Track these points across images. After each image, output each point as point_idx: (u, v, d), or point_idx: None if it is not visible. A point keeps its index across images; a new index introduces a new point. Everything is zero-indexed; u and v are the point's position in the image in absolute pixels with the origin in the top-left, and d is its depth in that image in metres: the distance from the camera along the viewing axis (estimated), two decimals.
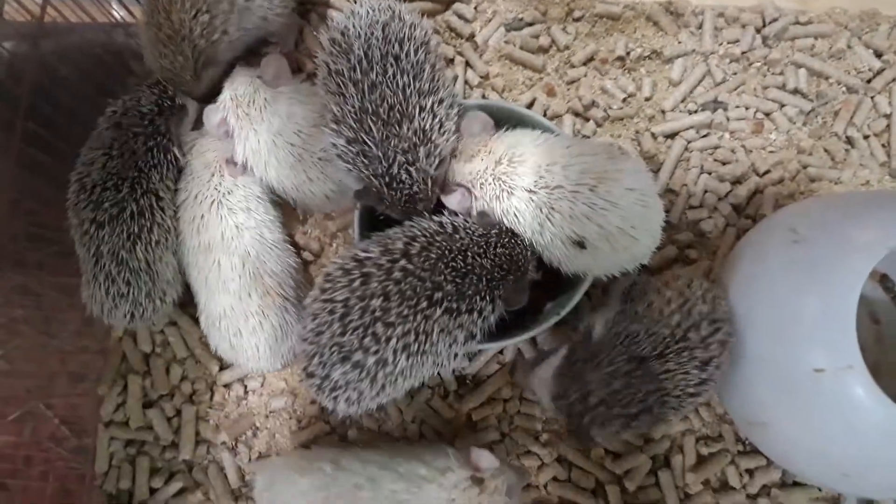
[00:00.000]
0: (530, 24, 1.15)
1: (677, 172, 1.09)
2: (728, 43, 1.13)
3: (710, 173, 1.09)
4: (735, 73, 1.13)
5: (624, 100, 1.12)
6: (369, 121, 0.84)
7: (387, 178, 0.85)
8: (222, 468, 1.04)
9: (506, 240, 0.84)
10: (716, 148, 1.10)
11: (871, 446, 0.78)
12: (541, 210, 0.83)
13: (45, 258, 1.05)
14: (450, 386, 1.04)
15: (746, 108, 1.11)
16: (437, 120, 0.86)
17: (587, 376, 0.84)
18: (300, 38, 1.15)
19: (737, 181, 1.09)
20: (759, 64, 1.13)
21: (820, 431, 0.81)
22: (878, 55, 1.13)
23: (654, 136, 1.11)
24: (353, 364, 0.78)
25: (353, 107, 0.84)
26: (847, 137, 1.11)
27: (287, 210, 1.08)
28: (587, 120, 1.11)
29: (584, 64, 1.14)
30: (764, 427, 0.87)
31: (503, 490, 0.84)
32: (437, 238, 0.82)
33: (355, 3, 0.88)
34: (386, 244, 0.81)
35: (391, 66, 0.84)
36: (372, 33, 0.85)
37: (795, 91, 1.11)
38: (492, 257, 0.82)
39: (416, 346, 0.79)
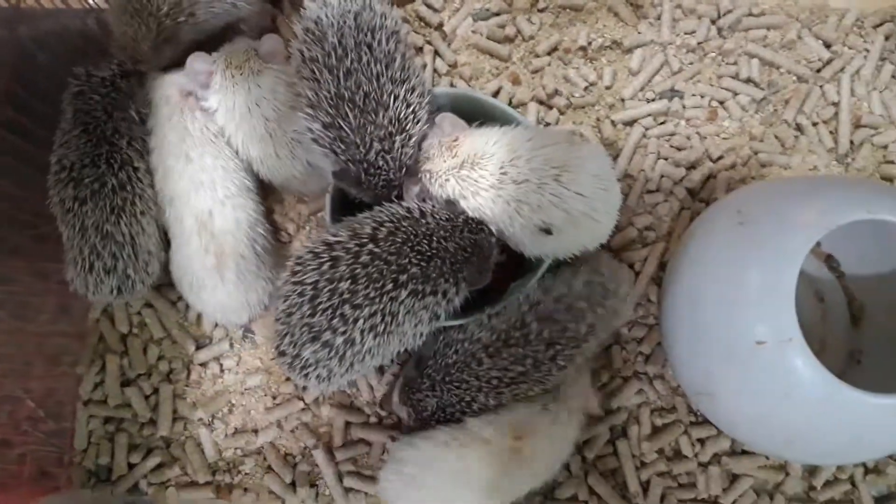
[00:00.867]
0: (496, 15, 1.19)
1: (635, 158, 1.14)
2: (685, 34, 1.18)
3: (666, 159, 1.14)
4: (691, 63, 1.18)
5: (586, 88, 1.16)
6: (346, 107, 0.86)
7: (364, 164, 0.88)
8: (199, 444, 1.07)
9: (472, 225, 0.88)
10: (672, 135, 1.15)
11: (810, 415, 0.83)
12: (508, 204, 0.86)
13: (21, 242, 1.06)
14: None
15: (702, 97, 1.16)
16: (410, 109, 0.89)
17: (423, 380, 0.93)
18: (273, 26, 1.17)
19: (691, 166, 1.14)
20: (714, 54, 1.18)
21: (763, 401, 0.86)
22: (827, 46, 1.18)
23: (613, 123, 1.15)
24: (322, 343, 0.82)
25: (329, 92, 0.87)
26: (797, 125, 1.16)
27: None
28: (550, 108, 1.16)
29: (548, 53, 1.18)
30: (712, 398, 0.92)
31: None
32: (404, 223, 0.85)
33: None
34: (355, 228, 0.85)
35: (365, 53, 0.87)
36: (344, 22, 0.87)
37: (748, 80, 1.16)
38: (456, 241, 0.86)
39: (383, 326, 0.82)
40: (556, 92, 1.16)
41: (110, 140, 0.98)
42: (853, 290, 1.07)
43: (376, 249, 0.82)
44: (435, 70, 1.17)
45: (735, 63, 1.17)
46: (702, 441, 1.06)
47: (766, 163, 1.13)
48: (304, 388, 0.88)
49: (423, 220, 0.86)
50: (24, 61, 1.01)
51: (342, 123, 0.87)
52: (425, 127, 0.92)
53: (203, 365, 1.11)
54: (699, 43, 1.17)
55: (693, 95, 1.16)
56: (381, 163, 0.88)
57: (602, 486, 1.04)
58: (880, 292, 1.04)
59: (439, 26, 1.19)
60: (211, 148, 1.01)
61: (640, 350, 1.08)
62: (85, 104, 0.98)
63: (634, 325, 1.09)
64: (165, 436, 1.08)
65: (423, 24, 1.19)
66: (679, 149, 1.14)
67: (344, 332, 0.81)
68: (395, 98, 0.88)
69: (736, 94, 1.16)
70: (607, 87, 1.16)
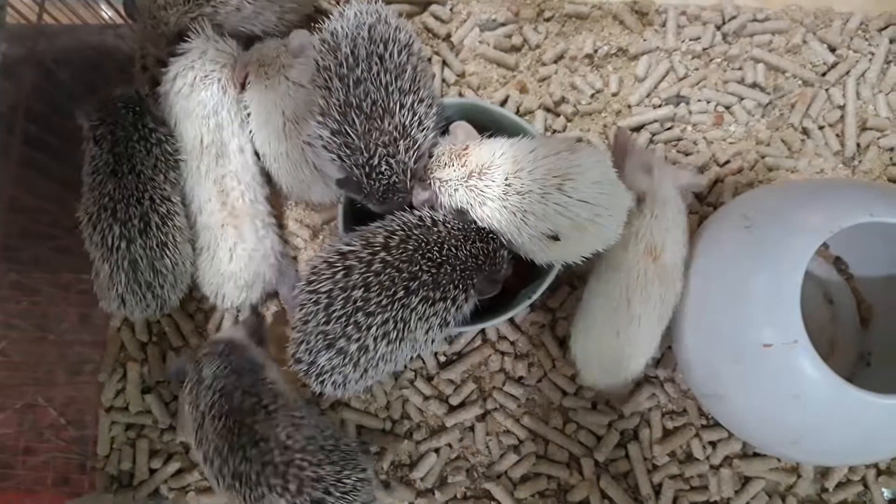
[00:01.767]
0: (503, 25, 1.21)
1: None
2: (690, 40, 1.19)
3: (673, 164, 1.15)
4: (697, 69, 1.19)
5: (592, 95, 1.18)
6: (353, 114, 0.89)
7: (367, 169, 0.90)
8: None
9: (483, 234, 0.90)
10: (679, 140, 1.16)
11: (817, 416, 0.84)
12: (514, 215, 0.88)
13: (41, 254, 1.09)
14: (431, 369, 1.10)
15: (707, 102, 1.17)
16: (416, 117, 0.92)
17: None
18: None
19: (698, 171, 1.15)
20: (719, 59, 1.19)
21: (771, 403, 0.86)
22: (832, 50, 1.19)
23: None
24: (337, 350, 0.84)
25: (339, 100, 0.90)
26: (803, 128, 1.17)
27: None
28: (558, 115, 1.17)
29: (555, 62, 1.20)
30: (720, 400, 0.93)
31: None
32: (416, 231, 0.87)
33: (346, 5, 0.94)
34: (367, 238, 0.87)
35: (376, 64, 0.90)
36: (358, 33, 0.91)
37: (754, 85, 1.17)
38: (468, 250, 0.88)
39: (395, 333, 0.84)
40: (563, 100, 1.17)
41: (151, 177, 1.01)
42: (862, 292, 1.08)
43: (388, 258, 0.84)
44: (443, 80, 1.19)
45: (740, 68, 1.18)
46: (713, 444, 1.06)
47: (772, 167, 1.14)
48: (321, 393, 0.90)
49: (435, 229, 0.88)
50: (42, 77, 1.03)
51: (349, 130, 0.89)
52: (432, 136, 0.94)
53: None
54: (704, 49, 1.19)
55: (699, 101, 1.17)
56: (384, 167, 0.89)
57: (614, 489, 1.05)
58: (889, 294, 1.04)
59: (447, 37, 1.21)
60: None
61: None
62: (120, 140, 1.01)
63: None
64: (185, 441, 1.10)
65: (431, 35, 1.21)
66: (686, 153, 1.15)
67: (358, 339, 0.83)
68: (402, 106, 0.90)
69: (742, 98, 1.17)
70: (614, 94, 1.18)
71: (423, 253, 0.85)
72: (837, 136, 1.16)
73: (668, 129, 1.16)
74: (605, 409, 1.08)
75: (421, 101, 0.92)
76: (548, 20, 1.21)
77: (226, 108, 1.05)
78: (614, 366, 0.98)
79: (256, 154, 1.08)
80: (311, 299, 0.85)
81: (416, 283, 0.84)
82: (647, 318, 0.95)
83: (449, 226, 0.89)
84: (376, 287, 0.83)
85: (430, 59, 1.19)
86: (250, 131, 1.07)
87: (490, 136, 0.95)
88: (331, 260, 0.86)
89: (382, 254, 0.84)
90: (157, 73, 1.13)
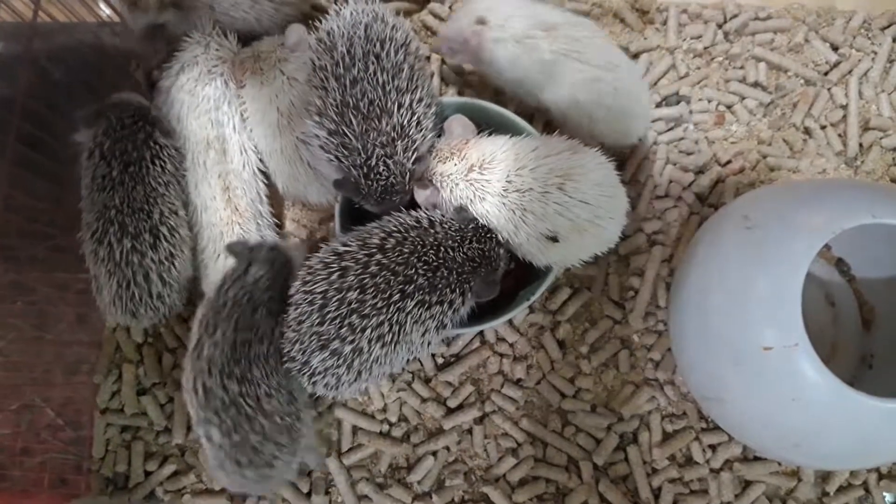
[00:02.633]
0: None
1: (643, 163, 1.14)
2: (691, 38, 1.18)
3: (674, 164, 1.14)
4: (698, 68, 1.18)
5: None
6: (350, 114, 0.88)
7: (365, 169, 0.89)
8: None
9: (481, 234, 0.89)
10: (680, 139, 1.15)
11: (818, 420, 0.83)
12: (514, 212, 0.87)
13: (38, 253, 1.09)
14: (429, 371, 1.09)
15: (709, 101, 1.16)
16: (415, 117, 0.91)
17: None
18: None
19: (700, 171, 1.14)
20: (720, 58, 1.18)
21: (771, 406, 0.86)
22: (835, 48, 1.18)
23: None
24: (331, 352, 0.83)
25: (335, 100, 0.89)
26: (805, 128, 1.16)
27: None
28: None
29: None
30: (720, 403, 0.92)
31: None
32: (412, 233, 0.86)
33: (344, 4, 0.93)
34: (364, 238, 0.86)
35: (372, 63, 0.89)
36: (355, 33, 0.90)
37: (755, 84, 1.16)
38: (464, 252, 0.86)
39: (390, 336, 0.83)
40: None
41: (162, 192, 1.01)
42: (864, 294, 1.07)
43: (384, 260, 0.83)
44: (442, 79, 1.18)
45: (742, 67, 1.17)
46: (713, 447, 1.05)
47: (774, 166, 1.13)
48: (313, 394, 0.89)
49: (432, 230, 0.87)
50: (38, 76, 1.03)
51: (346, 130, 0.88)
52: (431, 136, 0.93)
53: None
54: (706, 47, 1.18)
55: (700, 100, 1.16)
56: (381, 168, 0.89)
57: (613, 493, 1.04)
58: (892, 296, 1.03)
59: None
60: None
61: (650, 356, 1.08)
62: (133, 161, 0.99)
63: (644, 331, 1.09)
64: (180, 444, 1.09)
65: (430, 33, 1.20)
66: (687, 153, 1.14)
67: (352, 342, 0.82)
68: (400, 106, 0.89)
69: (743, 97, 1.16)
70: None
71: (420, 256, 0.84)
72: (840, 135, 1.15)
73: (670, 129, 1.15)
74: (605, 412, 1.07)
75: (419, 100, 0.92)
76: None
77: (227, 103, 1.05)
78: None
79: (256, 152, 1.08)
80: (305, 299, 0.84)
81: (412, 286, 0.83)
82: None
83: (446, 227, 0.88)
84: (371, 289, 0.82)
85: (428, 58, 1.18)
86: (249, 129, 1.07)
87: (490, 134, 0.95)
88: (327, 260, 0.85)
89: (378, 256, 0.83)
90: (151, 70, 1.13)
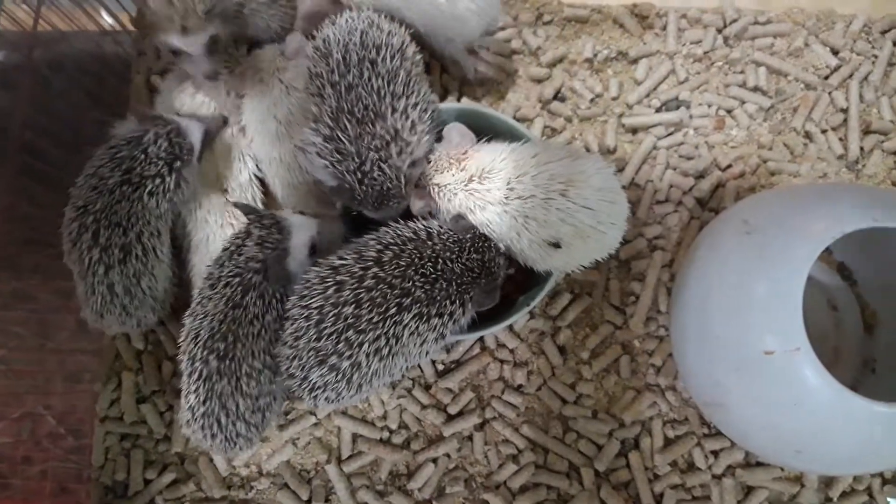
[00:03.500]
0: (502, 29, 1.20)
1: (643, 168, 1.14)
2: (691, 43, 1.18)
3: (674, 168, 1.14)
4: (698, 73, 1.18)
5: (592, 100, 1.17)
6: (345, 119, 0.88)
7: (359, 175, 0.89)
8: (211, 459, 1.08)
9: (479, 244, 0.88)
10: (680, 144, 1.15)
11: (819, 424, 0.82)
12: (516, 220, 0.87)
13: (40, 262, 1.09)
14: (429, 377, 1.09)
15: (709, 106, 1.16)
16: (409, 121, 0.90)
17: None
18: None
19: (700, 176, 1.13)
20: (720, 63, 1.18)
21: (772, 411, 0.85)
22: (835, 52, 1.18)
23: (620, 134, 1.16)
24: (329, 367, 0.82)
25: (331, 106, 0.89)
26: (805, 132, 1.15)
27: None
28: (557, 119, 1.16)
29: (554, 66, 1.19)
30: (722, 408, 0.91)
31: None
32: (409, 245, 0.85)
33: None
34: (361, 251, 0.85)
35: (367, 69, 0.89)
36: (350, 39, 0.90)
37: (755, 88, 1.16)
38: (463, 262, 0.85)
39: (387, 349, 0.83)
40: (563, 104, 1.16)
41: (147, 219, 0.97)
42: (866, 298, 1.06)
43: (381, 273, 0.82)
44: (442, 85, 1.18)
45: (742, 72, 1.17)
46: (715, 453, 1.05)
47: (775, 171, 1.13)
48: (315, 407, 0.89)
49: (430, 242, 0.86)
50: (39, 85, 1.03)
51: (340, 135, 0.88)
52: (427, 139, 0.93)
53: None
54: (705, 52, 1.18)
55: (700, 105, 1.16)
56: (376, 172, 0.88)
57: (615, 500, 1.03)
58: (893, 299, 1.03)
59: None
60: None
61: (651, 362, 1.08)
62: (147, 178, 0.96)
63: (646, 336, 1.09)
64: (180, 452, 1.09)
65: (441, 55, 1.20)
66: (687, 158, 1.14)
67: (350, 357, 0.82)
68: (394, 110, 0.89)
69: (743, 102, 1.16)
70: (614, 98, 1.17)
71: (417, 269, 0.83)
72: (840, 139, 1.15)
73: (670, 133, 1.15)
74: (606, 418, 1.06)
75: (415, 105, 0.91)
76: (547, 24, 1.20)
77: (226, 110, 1.06)
78: None
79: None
80: (302, 314, 0.83)
81: (409, 299, 0.82)
82: None
83: (444, 237, 0.87)
84: (367, 304, 0.81)
85: (427, 64, 1.18)
86: (250, 139, 1.06)
87: (488, 141, 0.94)
88: (323, 274, 0.84)
89: (375, 269, 0.82)
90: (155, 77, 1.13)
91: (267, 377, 0.90)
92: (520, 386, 1.08)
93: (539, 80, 1.18)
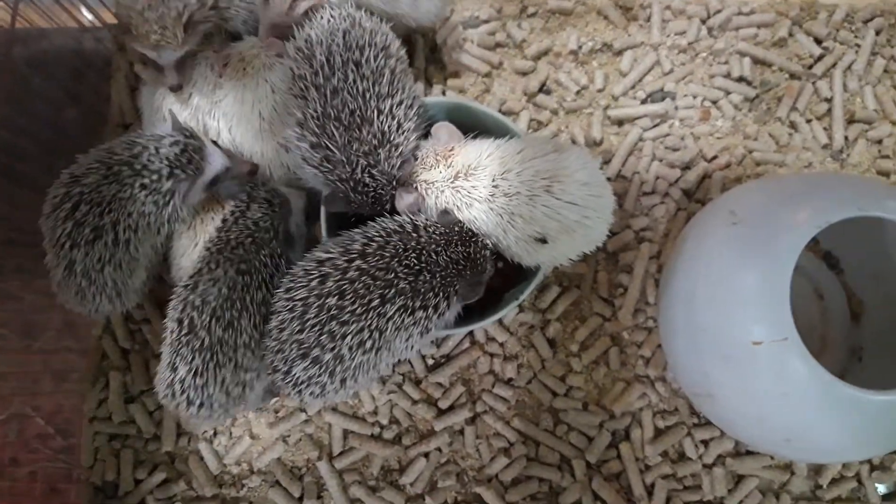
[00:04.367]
0: (486, 22, 1.20)
1: (629, 160, 1.14)
2: (675, 34, 1.18)
3: (660, 160, 1.14)
4: (683, 64, 1.18)
5: (577, 92, 1.17)
6: (332, 126, 0.87)
7: (351, 183, 0.89)
8: (202, 458, 1.08)
9: (465, 237, 0.87)
10: (666, 136, 1.15)
11: (808, 413, 0.83)
12: (501, 217, 0.86)
13: (23, 262, 1.08)
14: (419, 372, 1.09)
15: (694, 97, 1.16)
16: (395, 121, 0.90)
17: None
18: None
19: (686, 167, 1.14)
20: (705, 54, 1.18)
21: (761, 401, 0.86)
22: (819, 42, 1.18)
23: (606, 126, 1.16)
24: (312, 360, 0.82)
25: (316, 111, 0.88)
26: (790, 122, 1.16)
27: None
28: (543, 112, 1.16)
29: (539, 58, 1.19)
30: (711, 398, 0.92)
31: None
32: (394, 237, 0.85)
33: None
34: (346, 245, 0.85)
35: (352, 71, 0.88)
36: (333, 40, 0.89)
37: (740, 79, 1.17)
38: (448, 255, 0.85)
39: (371, 342, 0.82)
40: (548, 96, 1.16)
41: (129, 212, 0.93)
42: (852, 287, 1.07)
43: (364, 265, 0.82)
44: (427, 79, 1.18)
45: (727, 62, 1.17)
46: (705, 442, 1.05)
47: (760, 161, 1.13)
48: (301, 402, 0.88)
49: (415, 234, 0.85)
50: (18, 83, 1.01)
51: (328, 143, 0.87)
52: (414, 137, 0.93)
53: None
54: (690, 43, 1.18)
55: (685, 96, 1.16)
56: (367, 180, 0.88)
57: (606, 491, 1.04)
58: (879, 288, 1.04)
59: (430, 35, 1.19)
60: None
61: (640, 353, 1.08)
62: (123, 185, 0.92)
63: (634, 328, 1.09)
64: (170, 451, 1.08)
65: (414, 33, 1.20)
66: (673, 149, 1.15)
67: (332, 349, 0.81)
68: (380, 112, 0.88)
69: (728, 93, 1.16)
70: (599, 90, 1.17)
71: (401, 260, 0.83)
72: (825, 129, 1.15)
73: (656, 125, 1.15)
74: (596, 410, 1.07)
75: (399, 103, 0.90)
76: (531, 16, 1.20)
77: (210, 99, 1.03)
78: None
79: None
80: (286, 307, 0.83)
81: (393, 290, 0.82)
82: None
83: (430, 230, 0.86)
84: (350, 295, 0.81)
85: (411, 59, 1.17)
86: (229, 127, 1.04)
87: (475, 137, 0.94)
88: (308, 267, 0.84)
89: (358, 261, 0.82)
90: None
91: (259, 352, 0.89)
92: (510, 379, 1.08)
93: (524, 73, 1.18)
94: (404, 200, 0.90)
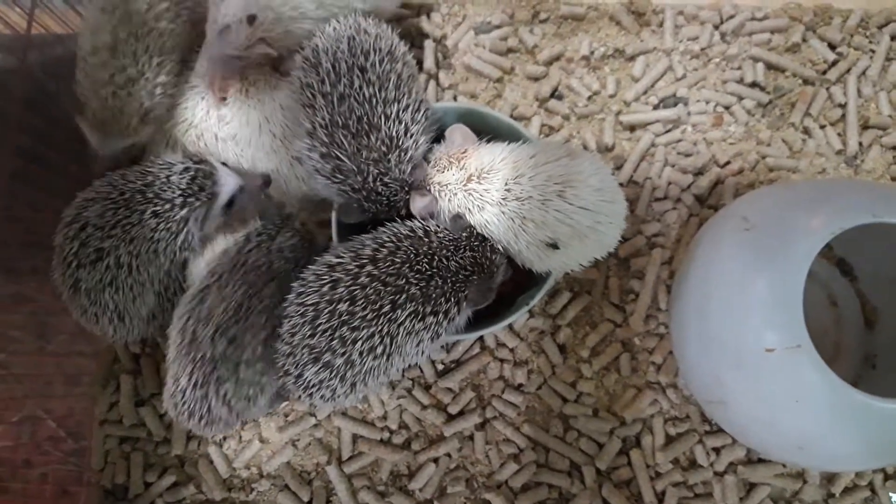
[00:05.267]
0: (498, 27, 1.20)
1: (642, 165, 1.14)
2: (688, 40, 1.18)
3: (673, 165, 1.13)
4: (695, 69, 1.17)
5: (589, 97, 1.17)
6: (340, 135, 0.88)
7: (364, 192, 0.89)
8: (211, 461, 1.08)
9: (475, 243, 0.88)
10: (678, 141, 1.14)
11: (821, 421, 0.82)
12: (513, 221, 0.86)
13: (38, 265, 1.08)
14: (429, 377, 1.09)
15: (707, 102, 1.16)
16: (402, 125, 0.90)
17: None
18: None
19: (699, 172, 1.13)
20: (718, 59, 1.18)
21: (774, 408, 0.85)
22: (833, 47, 1.18)
23: (618, 131, 1.15)
24: (323, 364, 0.82)
25: (324, 119, 0.88)
26: (804, 128, 1.15)
27: None
28: (554, 117, 1.16)
29: (551, 64, 1.19)
30: (723, 405, 0.91)
31: None
32: (405, 242, 0.85)
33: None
34: (357, 250, 0.85)
35: (357, 77, 0.88)
36: (338, 47, 0.89)
37: (753, 84, 1.16)
38: (459, 260, 0.85)
39: (381, 348, 0.82)
40: (560, 102, 1.16)
41: (132, 236, 0.93)
42: (867, 294, 1.06)
43: (375, 271, 0.82)
44: (438, 84, 1.18)
45: (739, 68, 1.17)
46: (717, 450, 1.05)
47: (774, 167, 1.12)
48: (311, 405, 0.88)
49: (427, 240, 0.86)
50: (34, 88, 1.02)
51: (338, 153, 0.88)
52: (423, 140, 0.93)
53: None
54: (702, 49, 1.17)
55: (698, 101, 1.16)
56: (380, 188, 0.89)
57: (616, 498, 1.03)
58: (894, 295, 1.03)
59: (441, 40, 1.20)
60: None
61: (651, 359, 1.07)
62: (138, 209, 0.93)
63: (646, 334, 1.08)
64: (180, 454, 1.08)
65: (425, 38, 1.20)
66: (686, 155, 1.14)
67: (343, 354, 0.81)
68: (387, 118, 0.88)
69: (741, 98, 1.15)
70: (611, 96, 1.17)
71: (412, 265, 0.83)
72: (839, 135, 1.15)
73: (668, 130, 1.15)
74: (607, 416, 1.06)
75: (406, 107, 0.91)
76: (543, 22, 1.20)
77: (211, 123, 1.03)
78: None
79: None
80: (298, 311, 0.83)
81: (404, 296, 0.82)
82: None
83: (441, 236, 0.87)
84: (362, 301, 0.81)
85: (423, 64, 1.17)
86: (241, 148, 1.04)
87: (488, 142, 0.94)
88: (319, 272, 0.84)
89: (369, 267, 0.82)
90: None
91: (262, 367, 0.89)
92: (520, 385, 1.08)
93: (536, 79, 1.18)
94: (419, 203, 0.91)
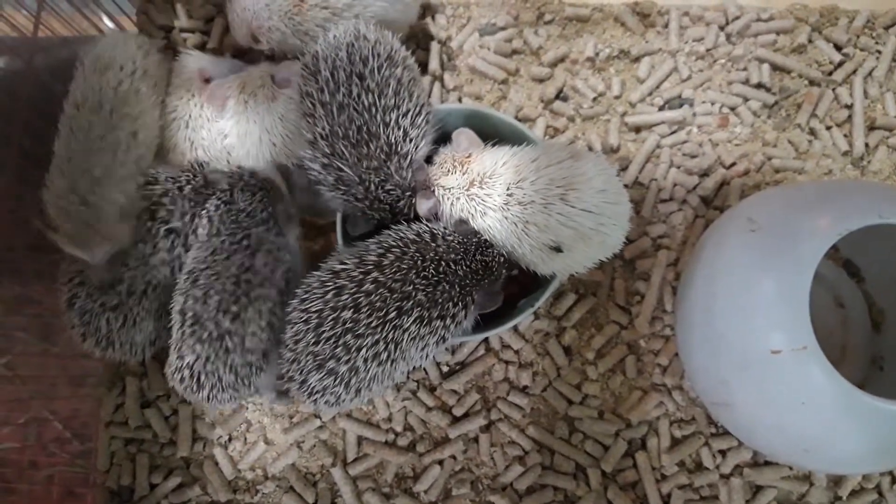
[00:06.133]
0: (503, 29, 1.19)
1: (647, 167, 1.13)
2: (693, 41, 1.18)
3: (678, 167, 1.13)
4: (701, 70, 1.17)
5: (594, 99, 1.16)
6: (341, 145, 0.88)
7: (368, 202, 0.89)
8: (217, 463, 1.08)
9: (483, 246, 0.87)
10: (684, 142, 1.14)
11: (827, 423, 0.82)
12: (516, 225, 0.86)
13: (43, 267, 1.09)
14: (434, 379, 1.08)
15: (712, 104, 1.15)
16: (401, 130, 0.90)
17: None
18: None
19: (704, 174, 1.13)
20: (723, 60, 1.17)
21: (780, 410, 0.84)
22: (839, 48, 1.17)
23: (623, 132, 1.15)
24: (327, 371, 0.82)
25: (324, 129, 0.88)
26: (810, 129, 1.15)
27: None
28: (559, 119, 1.16)
29: (556, 65, 1.18)
30: (729, 407, 0.91)
31: None
32: (412, 247, 0.84)
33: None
34: (362, 255, 0.85)
35: (356, 86, 0.88)
36: (336, 55, 0.89)
37: (759, 85, 1.16)
38: (467, 264, 0.85)
39: (386, 354, 0.82)
40: (565, 103, 1.16)
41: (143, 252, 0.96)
42: (873, 295, 1.06)
43: (381, 277, 0.82)
44: (443, 86, 1.18)
45: (745, 69, 1.16)
46: (723, 452, 1.04)
47: (779, 168, 1.12)
48: (316, 410, 0.88)
49: (433, 244, 0.85)
50: (40, 91, 1.03)
51: (340, 163, 0.88)
52: (423, 143, 0.93)
53: None
54: (708, 50, 1.17)
55: (703, 102, 1.15)
56: (382, 195, 0.89)
57: (622, 500, 1.03)
58: None
59: (446, 42, 1.20)
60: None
61: (657, 361, 1.07)
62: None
63: (651, 336, 1.08)
64: (185, 456, 1.08)
65: (430, 40, 1.20)
66: (691, 156, 1.14)
67: (347, 361, 0.81)
68: (387, 125, 0.88)
69: (747, 99, 1.15)
70: (616, 97, 1.16)
71: (419, 272, 0.82)
72: (845, 136, 1.14)
73: (674, 132, 1.15)
74: (612, 418, 1.06)
75: (406, 113, 0.90)
76: (548, 23, 1.20)
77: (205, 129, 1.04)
78: None
79: None
80: (301, 318, 0.83)
81: (410, 302, 0.81)
82: None
83: (449, 240, 0.86)
84: (366, 308, 0.80)
85: (427, 66, 1.17)
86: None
87: (494, 145, 0.94)
88: (323, 278, 0.84)
89: (375, 273, 0.82)
90: None
91: (267, 335, 0.89)
92: (525, 387, 1.08)
93: (541, 80, 1.18)
94: (424, 205, 0.91)
